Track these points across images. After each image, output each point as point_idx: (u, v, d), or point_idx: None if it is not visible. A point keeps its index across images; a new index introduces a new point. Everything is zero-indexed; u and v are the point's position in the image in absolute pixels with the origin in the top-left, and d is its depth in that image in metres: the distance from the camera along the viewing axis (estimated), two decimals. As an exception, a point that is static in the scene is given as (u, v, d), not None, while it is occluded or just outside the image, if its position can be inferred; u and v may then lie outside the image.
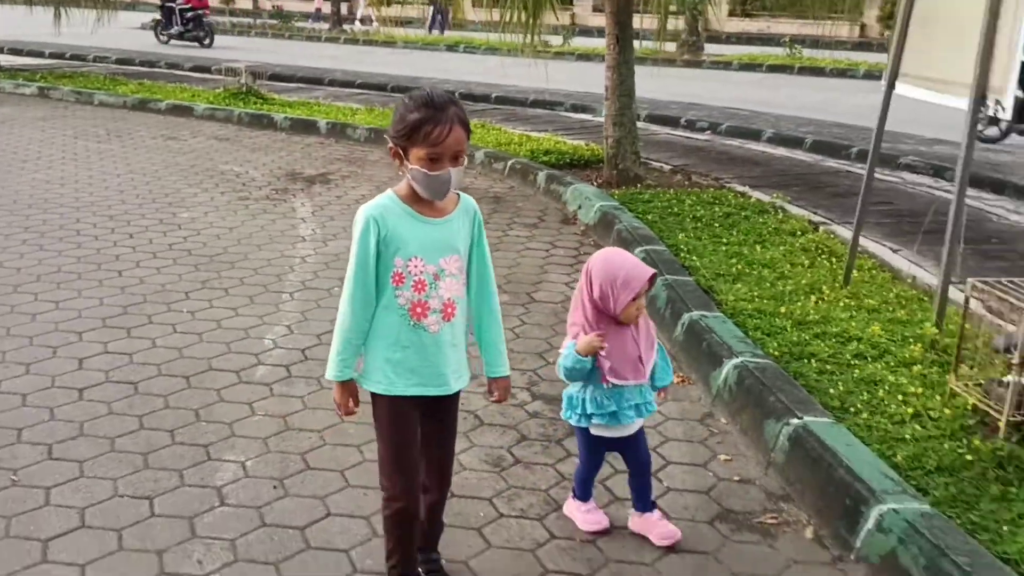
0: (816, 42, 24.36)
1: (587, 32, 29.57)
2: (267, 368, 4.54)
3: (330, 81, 16.56)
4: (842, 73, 20.01)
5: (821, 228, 6.98)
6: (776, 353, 4.47)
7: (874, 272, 5.96)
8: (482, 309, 2.75)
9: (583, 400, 3.01)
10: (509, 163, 9.12)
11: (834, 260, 6.05)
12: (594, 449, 3.17)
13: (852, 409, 3.92)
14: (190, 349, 4.74)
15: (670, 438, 3.96)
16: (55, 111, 12.67)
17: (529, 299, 5.55)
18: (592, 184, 8.24)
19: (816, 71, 20.38)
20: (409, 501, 2.67)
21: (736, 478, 3.66)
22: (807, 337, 4.68)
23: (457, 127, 2.46)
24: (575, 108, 13.85)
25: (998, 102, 4.39)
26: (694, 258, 6.01)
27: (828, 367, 4.35)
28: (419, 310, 2.57)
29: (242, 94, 13.01)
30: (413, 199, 2.57)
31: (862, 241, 6.19)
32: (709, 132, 12.00)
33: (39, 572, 2.95)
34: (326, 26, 30.39)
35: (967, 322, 3.93)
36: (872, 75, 20.04)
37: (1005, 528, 3.07)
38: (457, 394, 2.74)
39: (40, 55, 19.89)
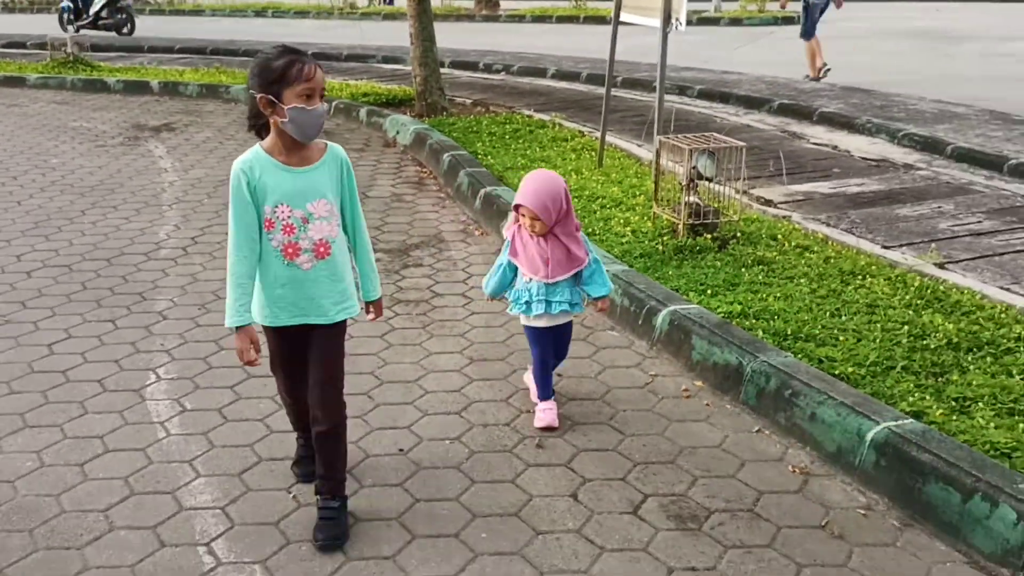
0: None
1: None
2: (168, 250, 5.99)
3: (150, 48, 17.32)
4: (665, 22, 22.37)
5: (587, 135, 8.91)
6: (543, 207, 6.32)
7: (621, 159, 7.94)
8: (355, 245, 3.04)
9: (512, 289, 3.65)
10: (333, 104, 10.61)
11: (594, 154, 7.97)
12: (533, 339, 3.70)
13: (594, 232, 5.80)
14: (102, 243, 6.11)
15: (474, 269, 5.72)
16: None
17: (364, 196, 7.18)
18: (409, 117, 9.87)
19: (599, 19, 22.63)
20: (297, 402, 3.12)
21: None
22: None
23: (319, 67, 2.75)
24: (386, 60, 15.33)
25: (677, 19, 6.37)
26: (490, 159, 7.81)
27: (582, 213, 6.24)
28: (291, 251, 2.82)
29: (70, 63, 13.77)
30: (278, 151, 2.82)
31: (616, 140, 8.23)
32: (503, 73, 13.85)
33: (44, 365, 4.37)
34: None
35: (661, 169, 5.88)
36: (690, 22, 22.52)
37: (671, 275, 5.01)
38: (339, 324, 2.97)
39: None
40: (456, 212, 6.82)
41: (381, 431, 3.68)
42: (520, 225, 3.57)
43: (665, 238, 5.61)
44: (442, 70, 13.81)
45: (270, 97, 2.70)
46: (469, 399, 3.95)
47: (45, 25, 20.74)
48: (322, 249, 2.86)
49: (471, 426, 3.72)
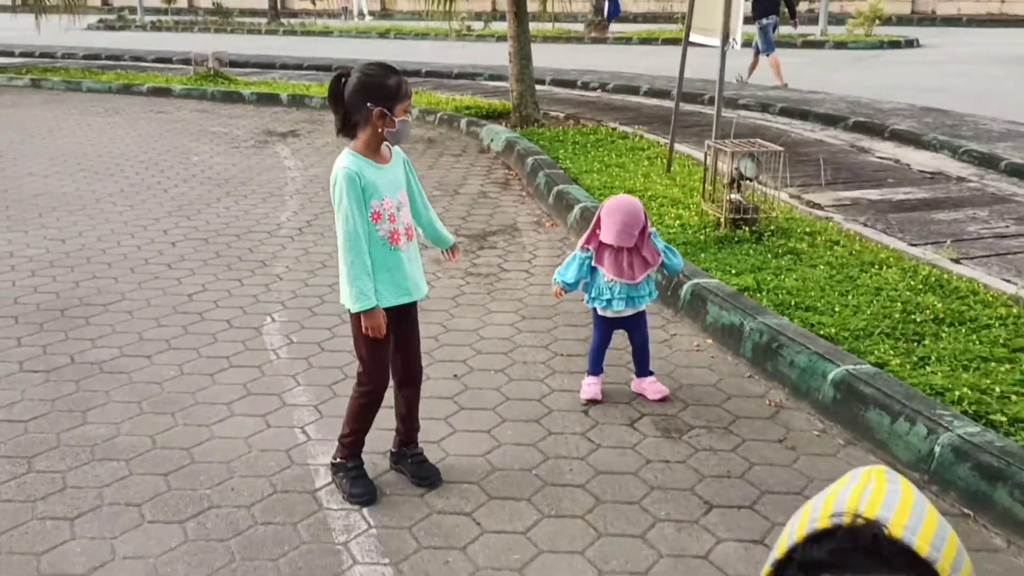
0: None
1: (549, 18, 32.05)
2: (287, 230, 7.10)
3: (281, 65, 18.94)
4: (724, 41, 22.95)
5: (663, 145, 9.69)
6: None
7: (689, 166, 8.69)
8: (429, 218, 3.54)
9: (592, 287, 4.05)
10: (438, 115, 11.72)
11: (665, 161, 8.77)
12: (599, 326, 4.15)
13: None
14: (233, 223, 7.27)
15: (540, 252, 6.61)
16: (52, 97, 14.87)
17: (455, 193, 8.17)
18: (505, 127, 10.86)
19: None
20: (383, 391, 3.38)
21: (573, 258, 6.34)
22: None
23: None
24: (492, 77, 16.42)
25: (733, 39, 7.14)
26: (568, 163, 8.70)
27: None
28: (395, 236, 3.20)
29: (210, 77, 15.36)
30: (369, 153, 3.18)
31: (688, 150, 9.03)
32: (599, 90, 14.73)
33: (185, 307, 5.47)
34: (354, 21, 31.76)
35: (712, 170, 6.66)
36: (747, 43, 23.00)
37: (705, 259, 5.78)
38: (416, 306, 3.44)
39: (11, 55, 21.80)
40: (533, 207, 7.73)
41: (441, 363, 4.60)
42: (597, 240, 4.03)
43: (708, 230, 6.37)
44: (543, 87, 14.85)
45: (384, 110, 3.08)
46: (515, 344, 4.84)
47: (189, 43, 22.77)
48: (410, 232, 3.31)
49: (512, 362, 4.61)
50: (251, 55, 20.39)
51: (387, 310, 3.23)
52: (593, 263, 4.01)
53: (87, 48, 22.37)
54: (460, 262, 3.96)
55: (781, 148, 6.42)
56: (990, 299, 5.03)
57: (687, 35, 8.16)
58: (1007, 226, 6.67)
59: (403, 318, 3.36)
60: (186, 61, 17.19)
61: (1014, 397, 3.78)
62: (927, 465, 3.47)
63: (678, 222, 6.62)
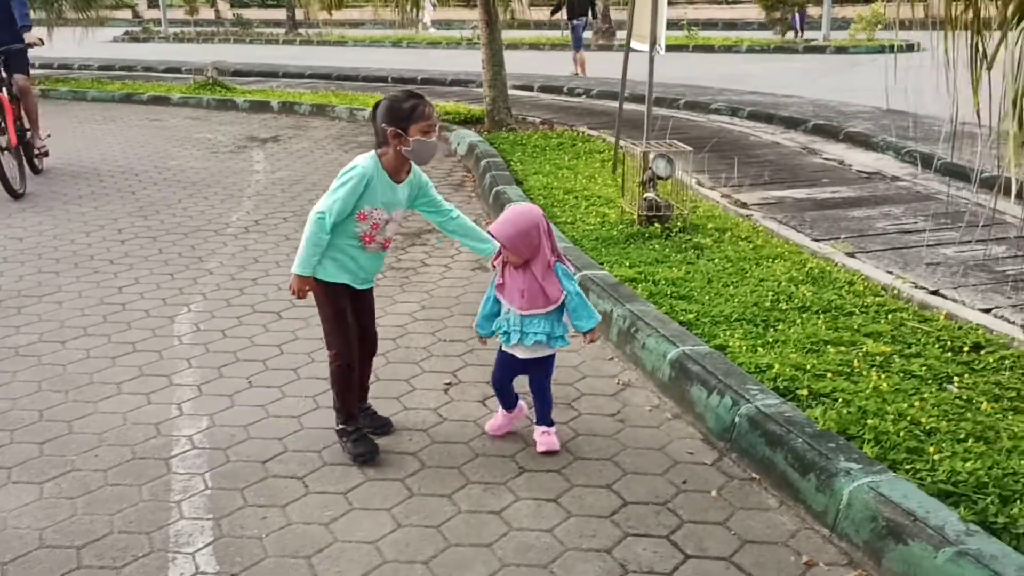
0: (716, 24, 27.56)
1: (525, 25, 32.43)
2: (233, 228, 7.49)
3: (284, 73, 19.45)
4: (728, 49, 23.16)
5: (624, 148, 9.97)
6: (540, 201, 7.48)
7: (636, 168, 8.96)
8: (450, 224, 3.88)
9: (496, 318, 3.75)
10: (414, 121, 12.08)
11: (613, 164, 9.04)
12: (499, 358, 3.83)
13: (571, 221, 6.91)
14: (186, 223, 7.67)
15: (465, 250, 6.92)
16: (56, 107, 15.44)
17: (406, 194, 8.52)
18: (475, 132, 11.18)
19: (707, 48, 23.49)
20: (351, 357, 3.72)
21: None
22: (565, 195, 7.69)
23: (433, 107, 3.55)
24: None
25: (659, 45, 7.42)
26: (519, 165, 9.02)
27: (569, 206, 7.36)
28: (367, 239, 3.62)
29: (209, 86, 15.89)
30: (390, 167, 3.56)
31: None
32: (584, 96, 15.02)
33: (112, 298, 5.86)
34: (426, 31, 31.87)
35: (623, 168, 6.94)
36: (753, 49, 23.21)
37: (611, 253, 6.06)
38: (371, 290, 3.88)
39: (31, 66, 22.50)
40: (476, 207, 8.05)
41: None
42: (503, 262, 3.70)
43: (623, 227, 6.66)
44: (530, 93, 15.19)
45: (398, 130, 3.46)
46: (406, 331, 5.17)
47: (207, 53, 23.40)
48: (387, 245, 3.74)
49: (396, 347, 4.94)
50: (256, 64, 20.94)
51: (340, 287, 3.68)
52: (496, 290, 3.72)
53: (104, 60, 23.08)
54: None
55: (691, 149, 6.69)
56: (863, 289, 5.26)
57: (628, 42, 8.44)
58: (915, 222, 6.87)
59: (358, 298, 3.80)
60: (197, 71, 17.74)
61: (829, 375, 4.03)
62: (729, 434, 3.74)
63: (599, 219, 6.91)
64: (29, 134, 9.31)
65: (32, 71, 10.05)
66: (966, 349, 4.35)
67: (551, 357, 3.81)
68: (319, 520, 3.34)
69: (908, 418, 3.61)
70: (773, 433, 3.52)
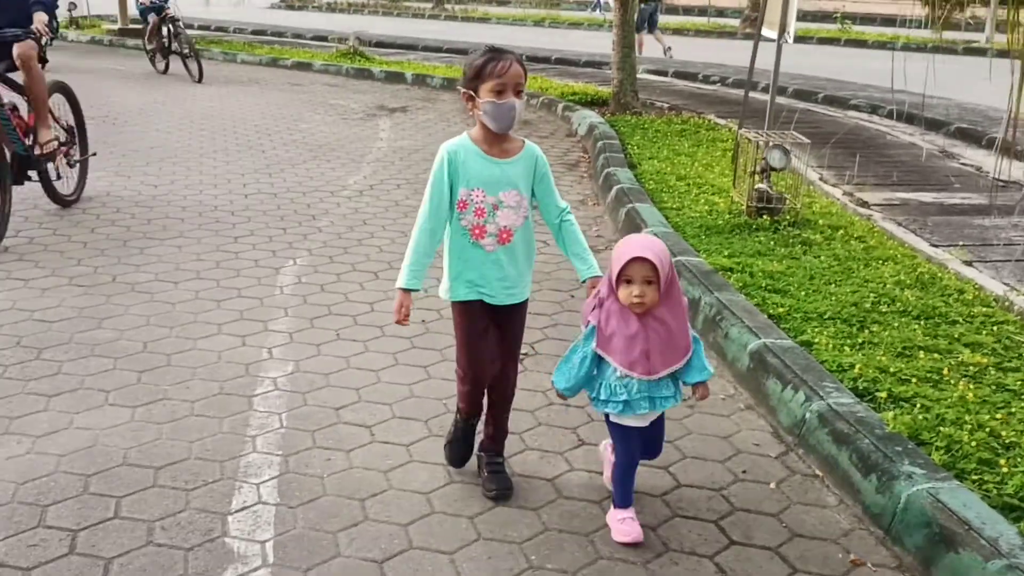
0: (872, 19, 26.46)
1: (672, 11, 32.01)
2: (348, 191, 7.74)
3: (423, 47, 19.85)
4: (882, 45, 22.21)
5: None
6: (650, 185, 7.43)
7: (758, 160, 8.76)
8: (556, 227, 3.21)
9: (600, 385, 2.93)
10: (540, 99, 12.16)
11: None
12: (622, 437, 3.02)
13: (678, 207, 6.84)
14: (306, 182, 7.98)
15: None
16: (209, 66, 16.21)
17: (521, 169, 8.61)
18: (598, 114, 11.16)
19: (860, 43, 22.61)
20: (480, 379, 3.22)
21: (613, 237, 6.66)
22: (677, 182, 7.61)
23: (516, 64, 2.93)
24: (619, 68, 16.67)
25: (788, 33, 7.23)
26: (636, 148, 8.96)
27: (679, 192, 7.28)
28: (477, 232, 3.05)
29: (349, 55, 16.37)
30: (484, 140, 3.04)
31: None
32: (719, 84, 14.74)
33: (229, 247, 6.17)
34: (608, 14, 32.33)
35: (744, 159, 6.80)
36: (909, 47, 22.18)
37: (715, 242, 5.97)
38: (517, 307, 3.20)
39: (190, 27, 23.75)
40: (586, 187, 8.07)
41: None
42: (604, 308, 2.89)
43: (731, 217, 6.54)
44: (664, 79, 15.05)
45: (470, 92, 2.99)
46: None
47: (356, 23, 24.08)
48: (505, 236, 3.06)
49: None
50: (398, 36, 21.42)
51: (465, 305, 3.14)
52: (597, 348, 2.90)
53: (258, 24, 24.08)
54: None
55: (808, 141, 6.51)
56: (972, 298, 5.03)
57: (759, 30, 8.23)
58: (1045, 235, 6.49)
59: (499, 319, 3.21)
60: (340, 40, 18.33)
61: (915, 381, 3.89)
62: (799, 429, 3.67)
63: (707, 208, 6.81)
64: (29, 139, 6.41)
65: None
66: (1071, 367, 4.11)
67: (663, 416, 3.11)
68: (379, 467, 3.47)
69: (987, 430, 3.45)
70: (841, 431, 3.43)
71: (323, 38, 20.84)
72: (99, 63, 16.47)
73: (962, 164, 9.02)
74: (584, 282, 3.18)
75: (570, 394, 3.01)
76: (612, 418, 2.99)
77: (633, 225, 6.34)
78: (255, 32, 22.63)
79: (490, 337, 3.20)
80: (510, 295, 3.16)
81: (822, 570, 2.92)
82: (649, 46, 18.26)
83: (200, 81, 13.78)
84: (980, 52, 21.23)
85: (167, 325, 4.77)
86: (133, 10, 18.03)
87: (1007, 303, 5.00)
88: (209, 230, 6.48)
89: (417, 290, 3.10)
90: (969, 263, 5.84)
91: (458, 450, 3.44)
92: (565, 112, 11.37)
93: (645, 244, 2.83)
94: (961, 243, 6.24)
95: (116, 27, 21.29)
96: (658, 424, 3.07)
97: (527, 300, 3.26)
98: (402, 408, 3.95)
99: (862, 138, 10.31)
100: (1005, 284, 5.41)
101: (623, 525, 3.01)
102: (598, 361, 2.92)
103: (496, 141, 3.06)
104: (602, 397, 2.93)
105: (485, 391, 3.32)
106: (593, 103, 12.06)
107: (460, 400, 3.36)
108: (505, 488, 3.26)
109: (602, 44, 20.95)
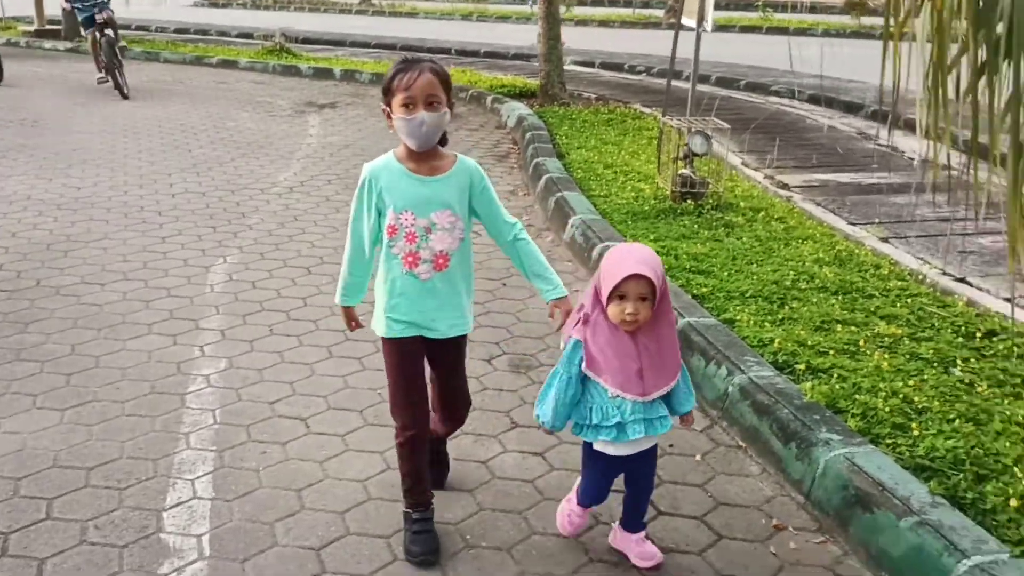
0: (793, 6, 27.05)
1: (598, 2, 32.28)
2: (279, 188, 7.70)
3: (351, 42, 19.74)
4: (803, 32, 22.73)
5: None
6: (578, 174, 7.54)
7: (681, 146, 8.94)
8: (509, 247, 2.91)
9: (589, 409, 2.64)
10: (470, 92, 12.20)
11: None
12: (597, 468, 2.79)
13: (605, 195, 6.96)
14: (234, 180, 7.92)
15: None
16: (130, 66, 15.88)
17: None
18: (527, 106, 11.25)
19: (782, 30, 23.10)
20: (421, 429, 2.90)
21: (548, 236, 6.74)
22: (604, 170, 7.74)
23: (427, 74, 2.65)
24: (546, 60, 16.80)
25: (706, 22, 7.40)
26: (564, 139, 9.07)
27: (606, 180, 7.41)
28: (410, 259, 2.77)
29: (276, 52, 16.21)
30: (408, 158, 2.78)
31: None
32: (644, 74, 14.95)
33: (155, 247, 6.11)
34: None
35: (668, 145, 6.95)
36: (829, 33, 22.76)
37: (641, 227, 6.10)
38: (456, 340, 2.93)
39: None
40: (517, 178, 8.14)
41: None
42: (590, 324, 2.63)
43: (656, 203, 6.68)
44: (591, 70, 15.19)
45: (386, 107, 2.76)
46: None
47: (279, 20, 23.81)
48: (441, 261, 2.79)
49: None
50: (325, 32, 21.27)
51: (397, 341, 2.88)
52: (586, 369, 2.62)
53: (181, 23, 23.66)
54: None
55: (728, 126, 6.68)
56: (888, 273, 5.23)
57: (678, 19, 8.39)
58: (956, 210, 6.75)
59: (440, 355, 2.99)
60: (266, 37, 18.12)
61: (832, 353, 4.04)
62: (722, 403, 3.79)
63: (634, 194, 6.94)
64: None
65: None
66: (979, 335, 4.31)
67: (656, 447, 2.82)
68: (315, 458, 3.50)
69: (901, 396, 3.62)
70: (762, 403, 3.56)
71: (248, 35, 20.59)
72: (17, 66, 16.03)
73: (878, 145, 9.31)
74: (549, 302, 2.91)
75: (560, 426, 2.70)
76: (599, 446, 2.68)
77: (562, 213, 6.44)
78: (178, 31, 22.24)
79: (423, 380, 2.94)
80: (452, 327, 2.89)
81: (746, 536, 3.04)
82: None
83: (126, 98, 12.45)
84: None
85: (95, 327, 4.72)
86: (50, 10, 17.60)
87: (920, 276, 5.21)
88: (135, 231, 6.40)
89: (356, 304, 2.97)
90: (885, 239, 6.07)
91: (423, 542, 2.94)
92: (494, 104, 11.43)
93: (641, 258, 2.56)
94: (877, 220, 6.47)
95: (32, 28, 20.72)
96: (649, 455, 2.77)
97: (468, 332, 2.98)
98: (337, 399, 3.98)
99: (783, 123, 10.58)
100: (919, 258, 5.63)
101: (566, 516, 2.97)
102: (583, 383, 2.65)
103: (422, 158, 2.78)
104: (594, 422, 2.63)
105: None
106: (522, 95, 12.14)
107: (405, 491, 2.98)
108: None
109: (530, 37, 21.08)
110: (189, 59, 16.40)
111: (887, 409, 3.50)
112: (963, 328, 4.39)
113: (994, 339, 4.29)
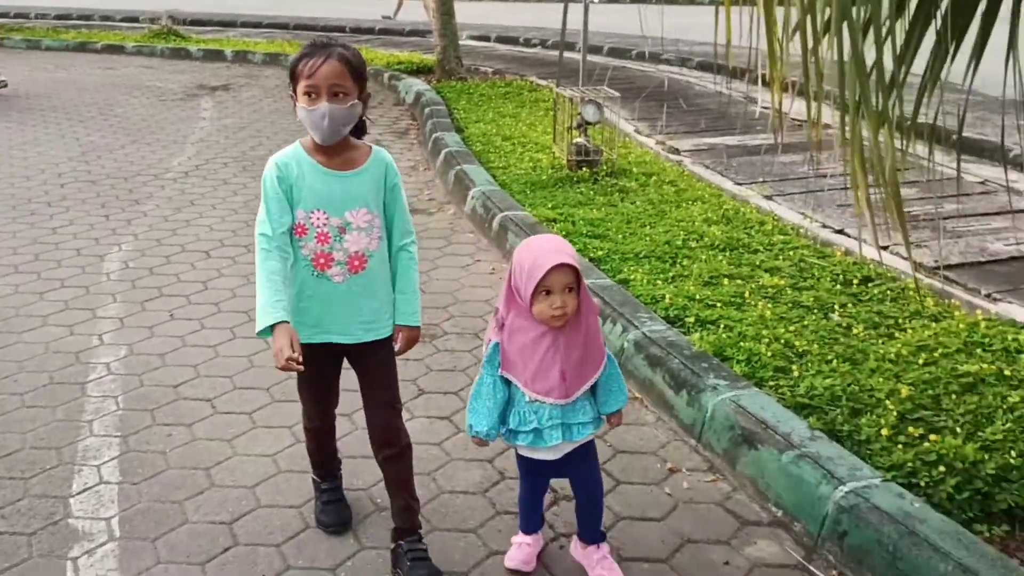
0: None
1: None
2: (173, 173, 7.58)
3: (241, 23, 19.33)
4: (691, 1, 23.17)
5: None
6: (477, 147, 7.63)
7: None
8: (395, 260, 2.69)
9: (508, 412, 2.52)
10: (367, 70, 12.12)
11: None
12: (528, 472, 2.69)
13: (504, 166, 7.07)
14: (127, 167, 7.75)
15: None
16: (10, 55, 15.30)
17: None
18: (424, 82, 11.25)
19: (671, 1, 23.48)
20: (329, 429, 2.93)
21: (450, 209, 6.81)
22: (502, 142, 7.84)
23: (334, 61, 2.41)
24: (442, 35, 16.77)
25: (593, -8, 7.54)
26: (462, 113, 9.14)
27: (505, 152, 7.52)
28: (322, 261, 2.53)
29: (163, 35, 15.78)
30: (316, 150, 2.52)
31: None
32: (539, 46, 15.09)
33: (46, 238, 5.97)
34: None
35: (562, 116, 7.09)
36: (715, 1, 23.24)
37: (540, 196, 6.23)
38: (381, 342, 2.67)
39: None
40: (417, 154, 8.19)
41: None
42: (506, 327, 2.48)
43: (553, 171, 6.83)
44: (487, 44, 15.23)
45: (292, 94, 2.51)
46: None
47: (168, 2, 23.09)
48: (357, 263, 2.56)
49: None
50: (214, 13, 20.75)
51: (317, 349, 2.62)
52: (503, 372, 2.50)
53: (61, 8, 22.75)
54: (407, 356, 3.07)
55: (619, 95, 6.85)
56: (771, 229, 5.48)
57: (566, -11, 8.52)
58: (836, 167, 7.08)
59: (359, 360, 2.73)
60: (152, 20, 17.59)
61: (720, 306, 4.25)
62: (619, 358, 3.95)
63: (532, 164, 7.07)
64: None
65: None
66: (856, 282, 4.58)
67: (592, 445, 2.67)
68: (222, 437, 3.54)
69: (783, 342, 3.84)
70: (654, 355, 3.74)
71: (134, 19, 19.93)
72: None
73: (764, 108, 9.64)
74: (398, 325, 2.69)
75: (494, 435, 2.51)
76: (521, 451, 2.59)
77: (462, 186, 6.52)
78: (59, 16, 21.38)
79: (333, 388, 2.84)
80: (369, 330, 2.65)
81: (643, 479, 3.21)
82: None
83: (5, 87, 11.64)
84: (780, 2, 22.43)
85: (-14, 322, 4.62)
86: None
87: (802, 230, 5.48)
88: (24, 223, 6.24)
89: (285, 321, 2.44)
90: (769, 197, 6.34)
91: (334, 512, 2.96)
92: (392, 81, 11.41)
93: (557, 247, 2.41)
94: (762, 180, 6.75)
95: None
96: (581, 455, 2.60)
97: (392, 336, 2.71)
98: (243, 379, 4.01)
99: (673, 90, 10.86)
100: (801, 213, 5.91)
101: (516, 551, 2.78)
102: (506, 385, 2.50)
103: (333, 151, 2.53)
104: (511, 426, 2.51)
105: (336, 443, 3.01)
106: (419, 71, 12.13)
107: (313, 463, 3.01)
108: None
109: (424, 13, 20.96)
110: (72, 45, 15.84)
111: (770, 354, 3.72)
112: (841, 276, 4.65)
113: (869, 285, 4.56)
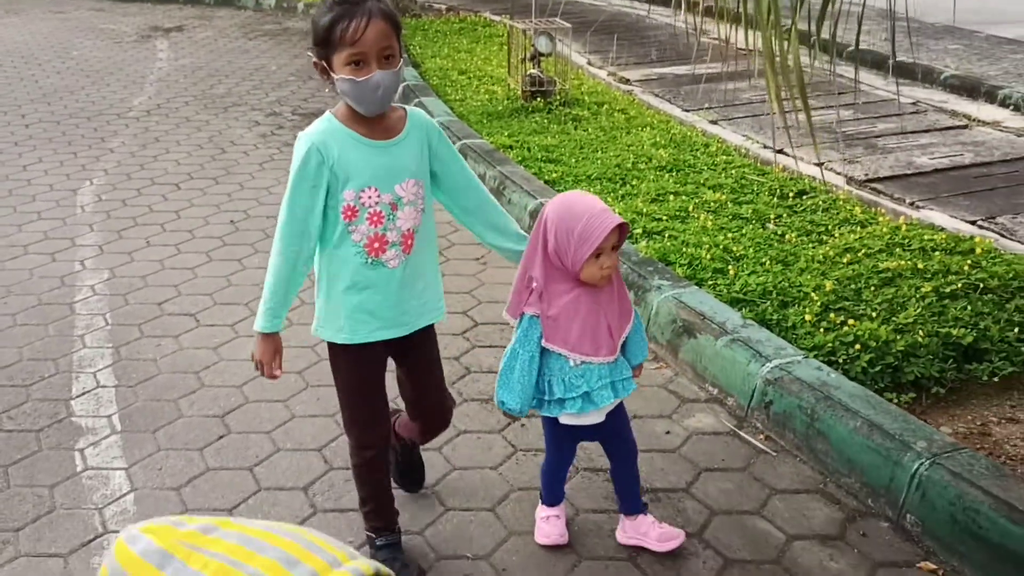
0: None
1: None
2: (135, 112, 7.71)
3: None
4: (645, -64, 23.22)
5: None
6: (434, 81, 7.84)
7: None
8: (481, 206, 2.45)
9: (548, 382, 2.38)
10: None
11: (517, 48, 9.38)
12: (564, 442, 2.58)
13: (461, 99, 7.31)
14: (89, 108, 7.86)
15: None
16: (-47, -1, 15.05)
17: (306, 79, 8.78)
18: (378, 18, 11.34)
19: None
20: (383, 439, 2.51)
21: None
22: (459, 76, 8.06)
23: (378, 19, 2.08)
24: (395, -27, 16.75)
25: (543, -74, 7.72)
26: (419, 49, 9.31)
27: (461, 85, 7.74)
28: (376, 245, 2.26)
29: (113, -23, 15.55)
30: (354, 120, 2.22)
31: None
32: (493, -17, 15.16)
33: (16, 175, 6.13)
34: None
35: (516, 48, 7.32)
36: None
37: (497, 126, 6.49)
38: (426, 330, 2.46)
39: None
40: (374, 89, 8.37)
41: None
42: (545, 295, 2.33)
43: (509, 102, 7.08)
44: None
45: (323, 63, 2.17)
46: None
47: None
48: (408, 242, 2.30)
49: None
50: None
51: (361, 348, 2.36)
52: (546, 343, 2.35)
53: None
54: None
55: (570, 26, 7.09)
56: (716, 150, 5.81)
57: (518, -77, 8.68)
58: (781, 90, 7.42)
59: (409, 350, 2.49)
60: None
61: (665, 219, 4.59)
62: (572, 269, 4.29)
63: (488, 96, 7.32)
64: None
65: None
66: (791, 195, 4.94)
67: (623, 405, 2.57)
68: (208, 346, 3.82)
69: (722, 247, 4.19)
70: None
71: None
72: None
73: (712, 39, 9.92)
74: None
75: (527, 410, 2.39)
76: (565, 419, 2.43)
77: (420, 117, 6.76)
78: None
79: (385, 392, 2.51)
80: (422, 314, 2.42)
81: (595, 369, 3.56)
82: None
83: None
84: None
85: (-31, 252, 4.83)
86: None
87: (744, 151, 5.82)
88: (-8, 162, 6.40)
89: (278, 331, 2.32)
90: (715, 122, 6.66)
91: (387, 508, 2.61)
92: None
93: (601, 205, 2.27)
94: (707, 106, 7.06)
95: None
96: (618, 414, 2.52)
97: (441, 319, 2.51)
98: (223, 296, 4.28)
99: (624, 23, 11.07)
100: (744, 136, 6.25)
101: (545, 524, 2.67)
102: (541, 359, 2.36)
103: (375, 119, 2.24)
104: (557, 396, 2.36)
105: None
106: (373, 9, 12.18)
107: (368, 512, 2.56)
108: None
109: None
110: (18, -11, 15.56)
111: (709, 258, 4.07)
112: (779, 191, 5.00)
113: (804, 197, 4.92)
